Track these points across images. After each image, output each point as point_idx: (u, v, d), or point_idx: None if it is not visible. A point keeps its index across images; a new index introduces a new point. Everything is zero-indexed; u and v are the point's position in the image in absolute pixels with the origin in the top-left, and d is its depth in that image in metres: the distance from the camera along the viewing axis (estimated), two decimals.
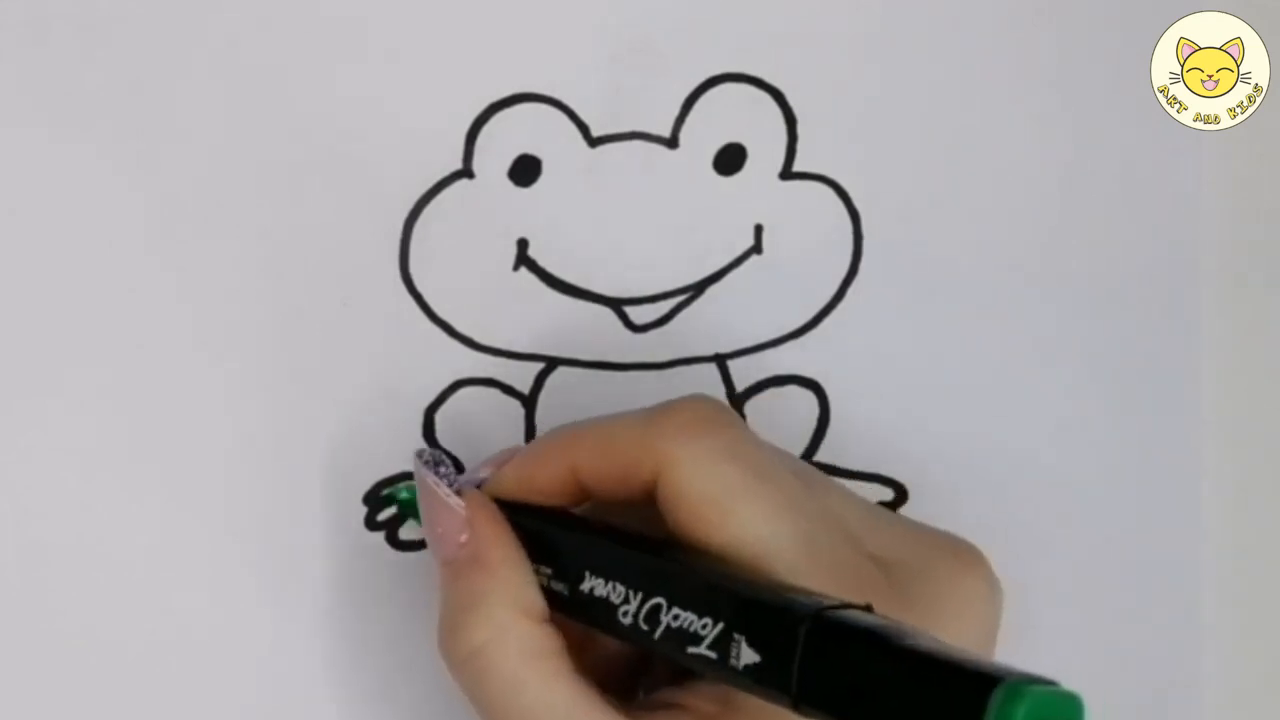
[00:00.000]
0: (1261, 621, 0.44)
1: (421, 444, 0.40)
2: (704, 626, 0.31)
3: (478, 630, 0.34)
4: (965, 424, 0.42)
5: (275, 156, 0.39)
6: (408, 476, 0.40)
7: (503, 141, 0.40)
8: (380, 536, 0.40)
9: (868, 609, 0.30)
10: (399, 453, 0.40)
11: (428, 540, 0.37)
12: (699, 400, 0.35)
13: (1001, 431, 0.43)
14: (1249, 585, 0.43)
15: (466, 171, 0.40)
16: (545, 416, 0.41)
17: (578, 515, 0.37)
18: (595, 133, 0.40)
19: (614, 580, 0.34)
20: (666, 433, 0.34)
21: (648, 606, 0.33)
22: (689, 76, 0.41)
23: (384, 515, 0.40)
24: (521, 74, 0.40)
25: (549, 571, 0.35)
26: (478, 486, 0.37)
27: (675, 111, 0.41)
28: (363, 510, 0.40)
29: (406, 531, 0.40)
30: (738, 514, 0.33)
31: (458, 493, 0.37)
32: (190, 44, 0.39)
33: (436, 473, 0.37)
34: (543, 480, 0.36)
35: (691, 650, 0.32)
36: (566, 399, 0.41)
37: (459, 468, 0.39)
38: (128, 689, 0.40)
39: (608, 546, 0.35)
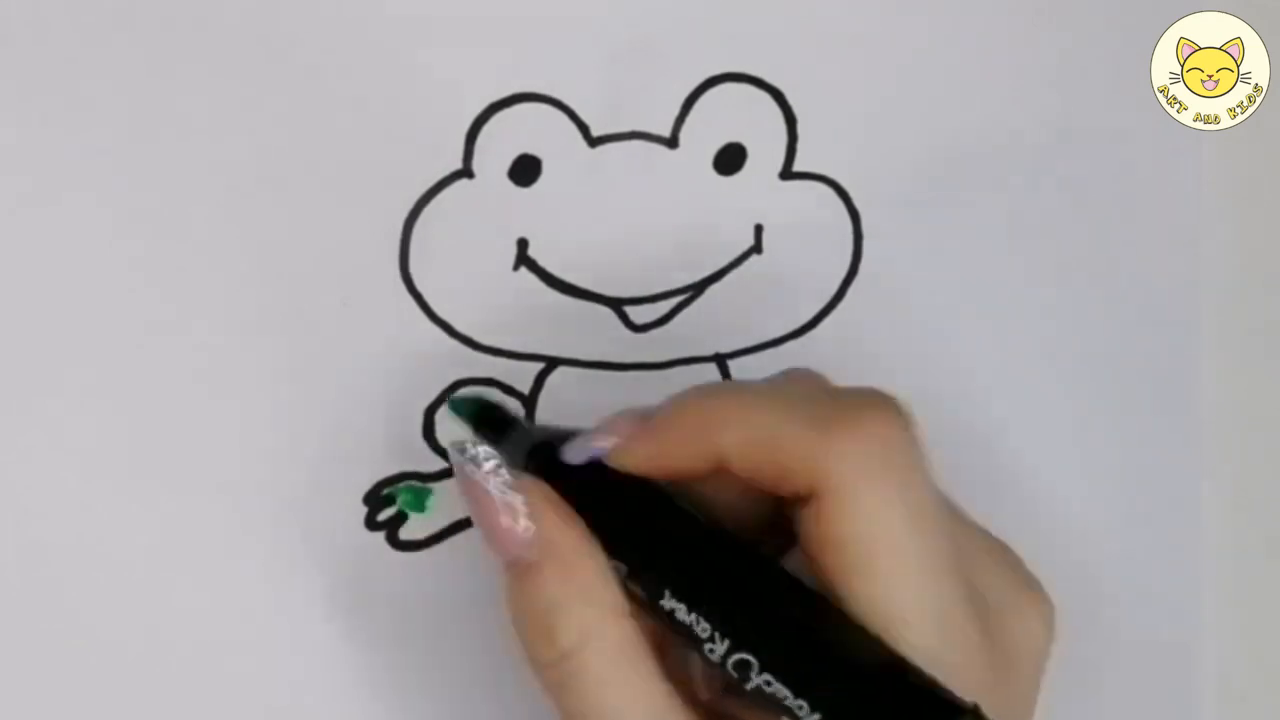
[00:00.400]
0: (1261, 621, 0.44)
1: (421, 444, 0.40)
2: (800, 709, 0.29)
3: (565, 634, 0.32)
4: (965, 423, 0.42)
5: (275, 156, 0.39)
6: (408, 476, 0.40)
7: (503, 141, 0.40)
8: (380, 536, 0.40)
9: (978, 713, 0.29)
10: (399, 453, 0.40)
11: (485, 540, 0.34)
12: (881, 413, 0.32)
13: (1001, 431, 0.43)
14: (1249, 585, 0.44)
15: (466, 171, 0.40)
16: (545, 416, 0.41)
17: (667, 501, 0.33)
18: (595, 133, 0.40)
19: (698, 613, 0.31)
20: (843, 448, 0.31)
21: (735, 658, 0.30)
22: (689, 76, 0.41)
23: (384, 515, 0.40)
24: (521, 74, 0.40)
25: (624, 569, 0.33)
26: (591, 459, 0.34)
27: (675, 111, 0.41)
28: (363, 510, 0.40)
29: (406, 531, 0.40)
30: (889, 571, 0.31)
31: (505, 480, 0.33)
32: (190, 44, 0.39)
33: (480, 465, 0.33)
34: (679, 460, 0.33)
35: None
36: (566, 399, 0.41)
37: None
38: (128, 689, 0.40)
39: (695, 565, 0.32)
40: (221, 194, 0.39)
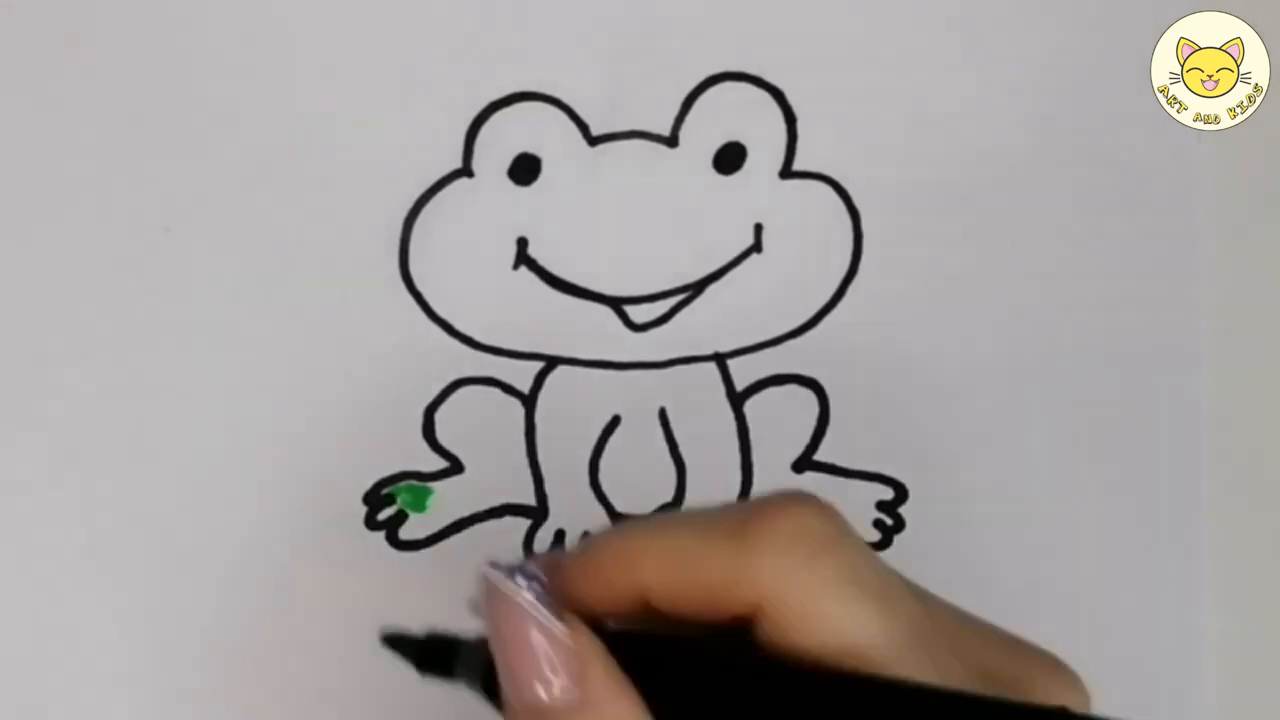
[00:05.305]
0: (1261, 621, 0.44)
1: (421, 444, 0.40)
2: None
3: None
4: (965, 424, 0.42)
5: (275, 156, 0.39)
6: (408, 476, 0.40)
7: (502, 140, 0.40)
8: (380, 536, 0.40)
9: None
10: (399, 452, 0.40)
11: (500, 675, 0.28)
12: (798, 506, 0.28)
13: (1001, 431, 0.43)
14: (1249, 585, 0.43)
15: (466, 170, 0.40)
16: (545, 415, 0.41)
17: (716, 652, 0.29)
18: (595, 132, 0.40)
19: None
20: (769, 554, 0.27)
21: None
22: (689, 75, 0.41)
23: (384, 515, 0.40)
24: (521, 73, 0.40)
25: None
26: (512, 575, 0.28)
27: (675, 110, 0.41)
28: (363, 510, 0.40)
29: (406, 531, 0.40)
30: (869, 658, 0.27)
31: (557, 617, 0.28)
32: (190, 44, 0.39)
33: (529, 586, 0.28)
34: (598, 600, 0.29)
35: None
36: (566, 398, 0.41)
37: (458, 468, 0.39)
38: (128, 689, 0.40)
39: None
40: (221, 193, 0.39)
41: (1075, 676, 0.32)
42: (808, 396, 0.42)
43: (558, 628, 0.27)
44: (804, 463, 0.42)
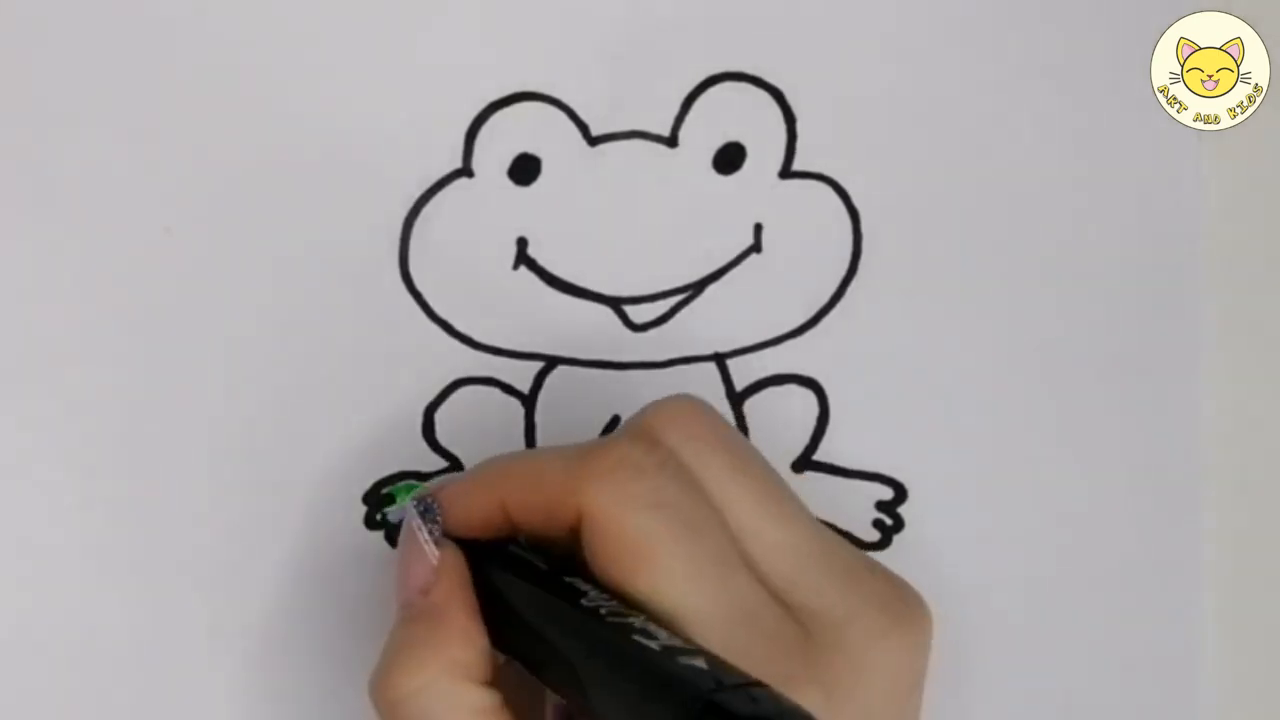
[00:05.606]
0: (1261, 621, 0.44)
1: (421, 444, 0.40)
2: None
3: (411, 677, 0.34)
4: (965, 424, 0.42)
5: (275, 156, 0.39)
6: (407, 475, 0.40)
7: (502, 140, 0.40)
8: (380, 536, 0.40)
9: (764, 687, 0.29)
10: (399, 452, 0.40)
11: (395, 577, 0.36)
12: (627, 441, 0.34)
13: (1001, 431, 0.43)
14: (1249, 585, 0.43)
15: (466, 170, 0.40)
16: (545, 415, 0.41)
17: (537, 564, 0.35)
18: (595, 132, 0.40)
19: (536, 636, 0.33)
20: (590, 476, 0.33)
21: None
22: (688, 75, 0.41)
23: (384, 515, 0.40)
24: (521, 73, 0.40)
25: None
26: (417, 507, 0.36)
27: (675, 110, 0.41)
28: (363, 510, 0.40)
29: None
30: (654, 568, 0.33)
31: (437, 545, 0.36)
32: (189, 44, 0.39)
33: (424, 519, 0.36)
34: (474, 514, 0.36)
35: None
36: (566, 398, 0.41)
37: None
38: (127, 689, 0.40)
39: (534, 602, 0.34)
40: (221, 194, 0.39)
41: (908, 614, 0.35)
42: (807, 396, 0.42)
43: (431, 549, 0.35)
44: (803, 462, 0.42)
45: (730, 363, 0.41)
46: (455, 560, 0.35)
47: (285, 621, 0.40)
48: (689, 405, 0.35)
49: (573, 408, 0.41)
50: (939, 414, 0.42)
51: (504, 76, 0.40)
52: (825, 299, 0.42)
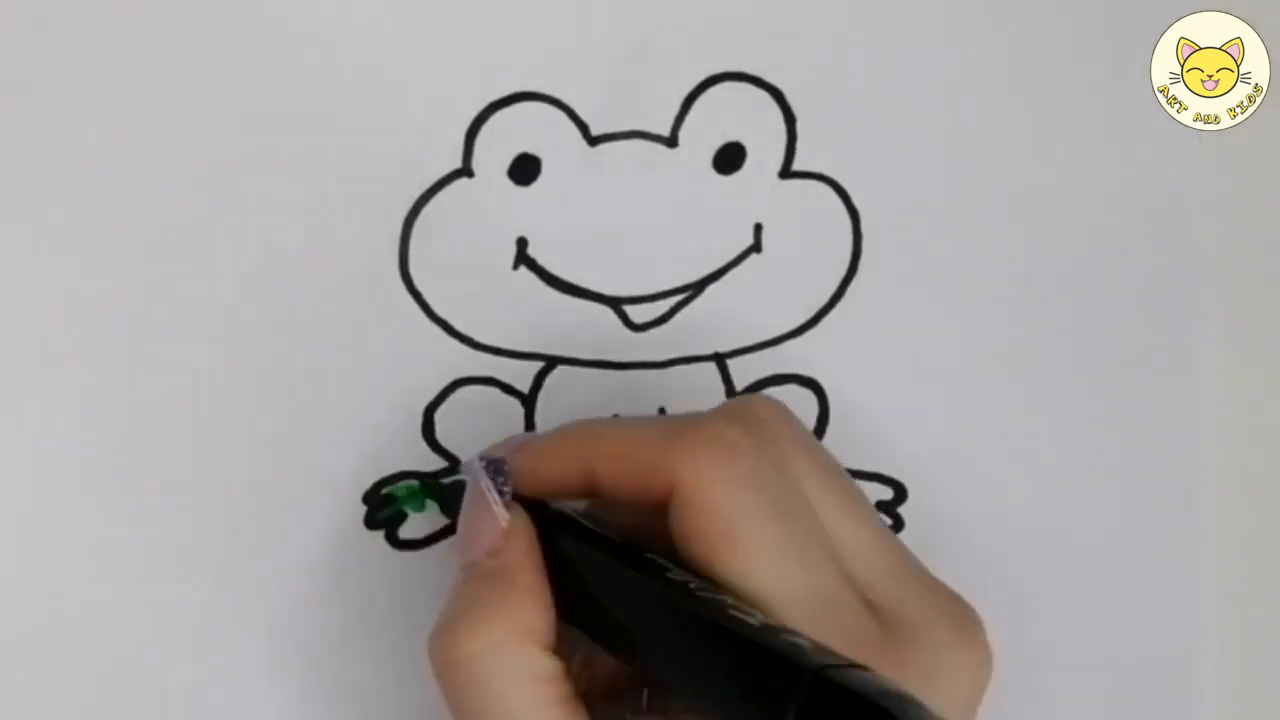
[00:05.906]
0: (1261, 621, 0.44)
1: (421, 444, 0.40)
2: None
3: (476, 638, 0.33)
4: (965, 424, 0.42)
5: (274, 156, 0.39)
6: (407, 475, 0.40)
7: (502, 140, 0.40)
8: (380, 536, 0.40)
9: (867, 670, 0.29)
10: (399, 452, 0.40)
11: (459, 537, 0.36)
12: (725, 418, 0.34)
13: (1001, 431, 0.43)
14: (1249, 585, 0.43)
15: (466, 170, 0.40)
16: (545, 415, 0.41)
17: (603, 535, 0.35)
18: (595, 132, 0.40)
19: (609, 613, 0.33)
20: (686, 451, 0.33)
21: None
22: (688, 75, 0.41)
23: (384, 515, 0.40)
24: (521, 73, 0.40)
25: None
26: (488, 469, 0.36)
27: (675, 110, 0.41)
28: (363, 510, 0.40)
29: (406, 531, 0.41)
30: (745, 550, 0.33)
31: (506, 507, 0.35)
32: (189, 43, 0.39)
33: (494, 481, 0.36)
34: (555, 475, 0.35)
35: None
36: (566, 398, 0.41)
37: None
38: (127, 689, 0.40)
39: (610, 576, 0.34)
40: (221, 193, 0.39)
41: (977, 627, 0.35)
42: (807, 396, 0.42)
43: (501, 511, 0.35)
44: None
45: (730, 363, 0.41)
46: (525, 523, 0.35)
47: (285, 621, 0.40)
48: (779, 404, 0.35)
49: (573, 408, 0.41)
50: (939, 414, 0.42)
51: (504, 76, 0.40)
52: (825, 299, 0.42)
